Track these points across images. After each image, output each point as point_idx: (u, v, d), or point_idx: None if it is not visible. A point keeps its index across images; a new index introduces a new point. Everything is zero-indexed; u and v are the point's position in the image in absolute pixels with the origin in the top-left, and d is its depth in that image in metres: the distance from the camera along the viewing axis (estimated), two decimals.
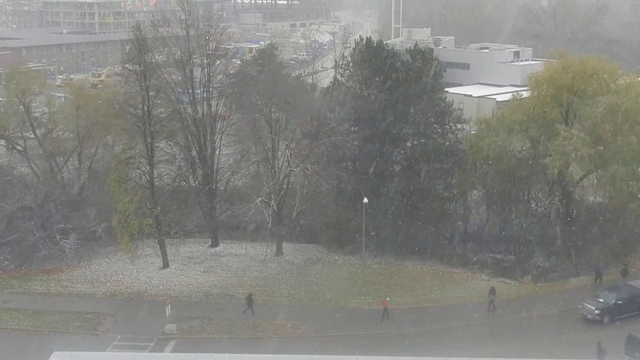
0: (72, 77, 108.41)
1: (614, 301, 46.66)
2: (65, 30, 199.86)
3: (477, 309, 48.69)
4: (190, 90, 57.21)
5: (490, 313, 47.88)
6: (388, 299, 48.22)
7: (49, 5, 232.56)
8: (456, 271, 55.66)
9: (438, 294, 51.48)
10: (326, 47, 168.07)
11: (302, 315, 47.66)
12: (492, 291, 48.75)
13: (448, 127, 57.95)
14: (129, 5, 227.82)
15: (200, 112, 57.71)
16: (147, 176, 54.65)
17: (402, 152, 57.87)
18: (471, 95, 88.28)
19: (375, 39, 65.31)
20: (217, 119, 59.18)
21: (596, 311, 46.40)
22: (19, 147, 62.22)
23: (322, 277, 54.02)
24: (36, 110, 65.55)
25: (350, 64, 60.39)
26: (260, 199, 54.04)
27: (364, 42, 60.63)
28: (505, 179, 56.69)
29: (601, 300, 47.04)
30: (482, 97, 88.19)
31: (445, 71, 61.78)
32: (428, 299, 50.64)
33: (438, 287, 52.58)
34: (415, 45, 61.91)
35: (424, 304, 49.99)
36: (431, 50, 62.76)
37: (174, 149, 58.38)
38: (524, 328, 45.84)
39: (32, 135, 62.25)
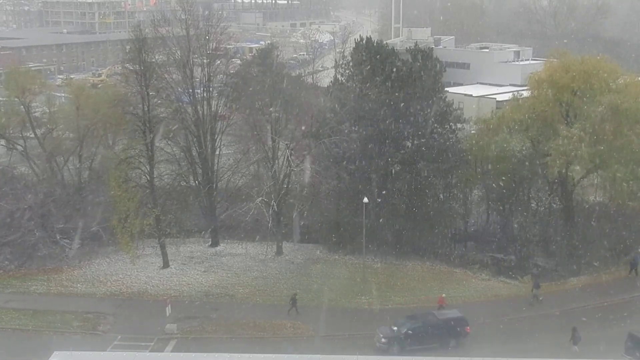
0: (72, 77, 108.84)
1: (405, 330, 43.07)
2: (65, 30, 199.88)
3: (477, 308, 48.71)
4: (191, 90, 57.24)
5: (534, 305, 48.76)
6: (444, 295, 48.59)
7: (49, 5, 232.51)
8: (456, 271, 55.65)
9: (438, 293, 51.32)
10: (326, 47, 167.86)
11: (302, 315, 47.65)
12: (537, 285, 49.50)
13: (448, 126, 57.94)
14: (129, 5, 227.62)
15: (201, 112, 57.73)
16: (147, 176, 54.66)
17: (402, 152, 57.85)
18: (471, 95, 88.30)
19: (375, 38, 65.34)
20: (217, 118, 59.19)
21: (383, 339, 42.95)
22: (19, 147, 62.27)
23: (322, 277, 54.01)
24: (36, 110, 65.64)
25: (351, 64, 60.41)
26: (261, 198, 54.07)
27: (364, 41, 60.63)
28: (505, 179, 56.65)
29: (395, 327, 43.58)
30: (482, 96, 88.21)
31: (445, 71, 61.80)
32: (429, 299, 50.58)
33: (438, 287, 52.49)
34: (416, 44, 61.90)
35: (425, 304, 49.85)
36: (431, 49, 62.74)
37: (174, 149, 58.39)
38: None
39: (32, 135, 62.32)
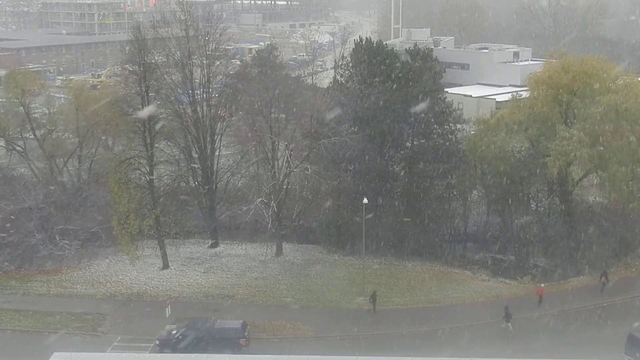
0: (71, 77, 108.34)
1: (177, 334, 43.12)
2: (64, 31, 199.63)
3: (477, 309, 48.73)
4: (190, 91, 57.22)
5: (603, 294, 49.67)
6: (543, 285, 49.18)
7: (49, 6, 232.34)
8: (456, 271, 55.62)
9: (438, 294, 51.45)
10: (326, 48, 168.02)
11: (302, 316, 47.66)
12: (605, 274, 50.25)
13: (448, 127, 57.93)
14: (129, 6, 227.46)
15: (200, 112, 57.72)
16: (147, 177, 54.68)
17: (402, 152, 57.87)
18: (471, 96, 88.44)
19: (374, 39, 65.37)
20: (217, 119, 59.17)
21: (157, 340, 43.22)
22: (18, 148, 62.32)
23: (322, 278, 54.00)
24: (36, 111, 65.59)
25: (350, 65, 60.41)
26: (260, 199, 54.03)
27: (364, 42, 60.64)
28: (505, 179, 56.62)
29: (174, 331, 43.53)
30: (482, 97, 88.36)
31: (445, 71, 61.81)
32: (428, 299, 50.62)
33: (438, 287, 52.54)
34: (415, 45, 61.93)
35: (424, 304, 49.96)
36: (431, 50, 62.70)
37: (174, 150, 58.40)
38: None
39: (31, 136, 62.31)
